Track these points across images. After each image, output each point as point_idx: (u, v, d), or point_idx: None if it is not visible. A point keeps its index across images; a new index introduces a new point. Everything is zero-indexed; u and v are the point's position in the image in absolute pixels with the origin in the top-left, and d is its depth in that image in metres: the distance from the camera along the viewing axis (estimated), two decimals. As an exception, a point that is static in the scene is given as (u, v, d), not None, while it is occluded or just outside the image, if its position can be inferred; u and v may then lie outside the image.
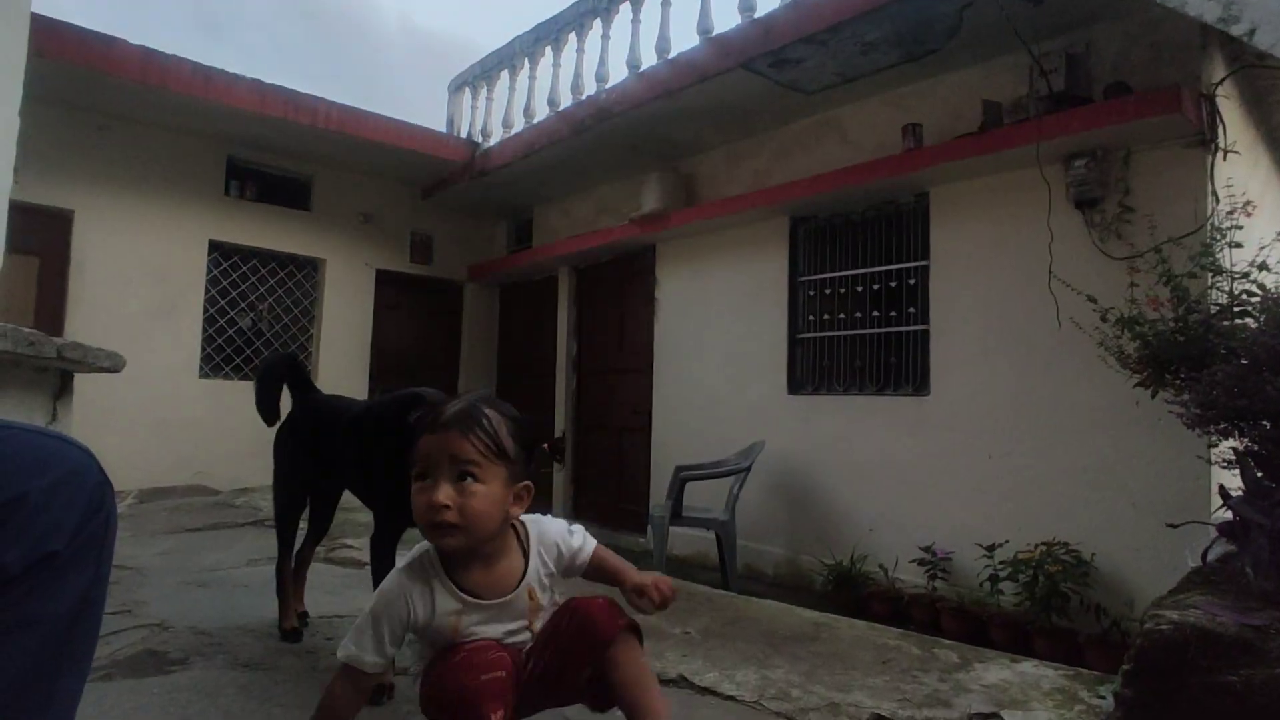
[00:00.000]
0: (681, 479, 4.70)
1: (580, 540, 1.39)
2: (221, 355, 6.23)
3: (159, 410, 5.54)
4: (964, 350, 4.22)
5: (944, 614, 3.83)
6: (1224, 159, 3.55)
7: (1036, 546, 3.57)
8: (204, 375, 6.03)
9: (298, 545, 2.20)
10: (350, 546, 3.12)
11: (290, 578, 2.15)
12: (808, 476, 4.91)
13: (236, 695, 1.67)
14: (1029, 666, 1.99)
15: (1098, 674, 1.93)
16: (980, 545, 3.79)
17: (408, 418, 1.67)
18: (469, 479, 1.17)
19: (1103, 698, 1.74)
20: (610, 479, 6.60)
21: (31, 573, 0.70)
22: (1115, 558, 3.49)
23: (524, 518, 1.31)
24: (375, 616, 1.20)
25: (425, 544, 1.25)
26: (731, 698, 1.80)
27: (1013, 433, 3.96)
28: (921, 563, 4.06)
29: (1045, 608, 3.40)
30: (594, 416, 6.85)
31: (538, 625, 1.29)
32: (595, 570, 1.39)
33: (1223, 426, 1.84)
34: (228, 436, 5.53)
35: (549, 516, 1.39)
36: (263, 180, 6.51)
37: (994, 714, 1.69)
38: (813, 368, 5.10)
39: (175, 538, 3.21)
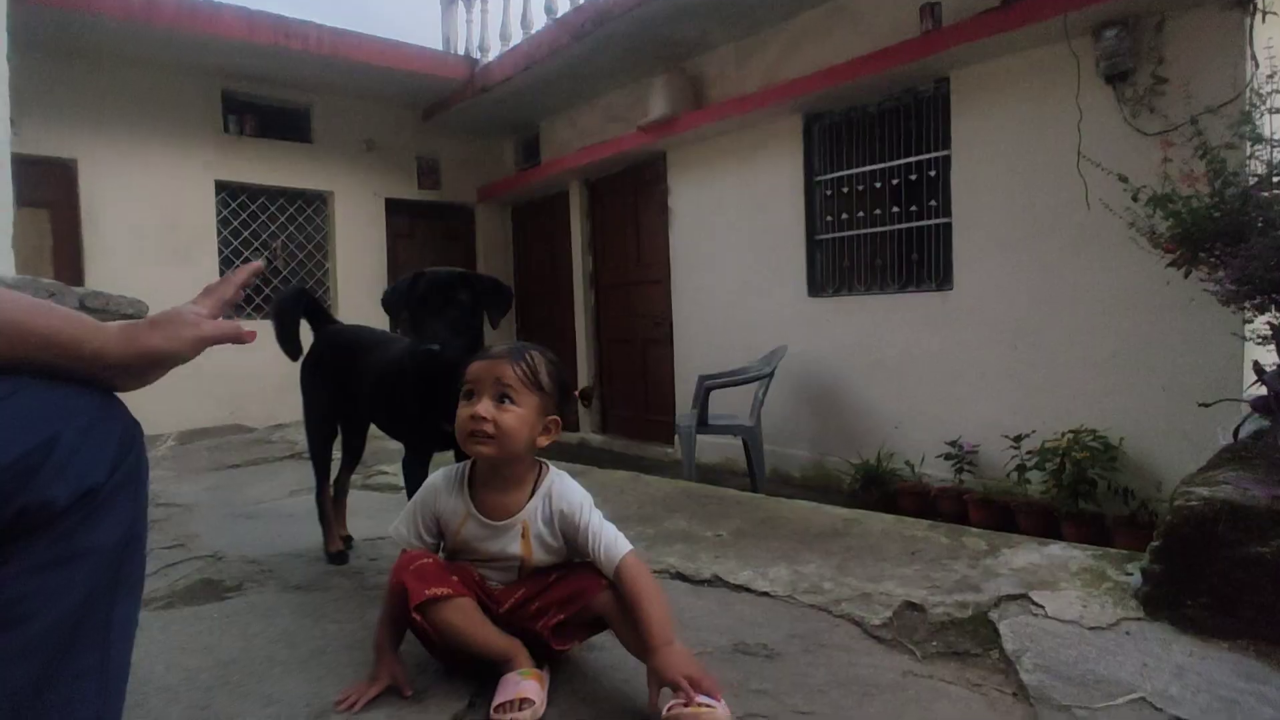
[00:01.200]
0: (706, 388, 4.73)
1: (596, 523, 1.41)
2: (242, 297, 6.27)
3: (187, 353, 5.60)
4: (988, 241, 4.11)
5: (971, 505, 3.89)
6: (1263, 20, 3.33)
7: (1063, 435, 3.58)
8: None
9: (334, 474, 2.26)
10: (386, 473, 3.21)
11: (330, 505, 2.22)
12: (831, 378, 4.91)
13: (291, 615, 1.75)
14: (1057, 549, 2.02)
15: (1125, 552, 1.96)
16: (1007, 437, 3.81)
17: (426, 367, 1.77)
18: (507, 400, 1.37)
19: (1130, 574, 1.77)
20: (636, 392, 6.66)
21: (77, 507, 0.72)
22: (1143, 441, 3.49)
23: (553, 469, 1.47)
24: (414, 506, 1.49)
25: (459, 464, 1.49)
26: (765, 593, 1.86)
27: (1038, 322, 3.90)
28: (948, 457, 4.10)
29: (1072, 494, 3.44)
30: (615, 331, 6.86)
31: (532, 563, 1.43)
32: (625, 588, 1.35)
33: (1258, 301, 1.79)
34: (257, 375, 5.61)
35: (578, 485, 1.48)
36: (261, 114, 6.38)
37: (1023, 595, 1.73)
38: (833, 269, 5.02)
39: (218, 475, 3.31)
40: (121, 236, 5.57)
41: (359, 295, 6.79)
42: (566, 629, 1.41)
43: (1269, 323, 1.78)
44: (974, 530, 2.21)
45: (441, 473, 1.51)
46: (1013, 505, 3.72)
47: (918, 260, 4.52)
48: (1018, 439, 3.75)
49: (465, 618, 1.36)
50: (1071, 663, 1.45)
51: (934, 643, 1.58)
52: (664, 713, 1.20)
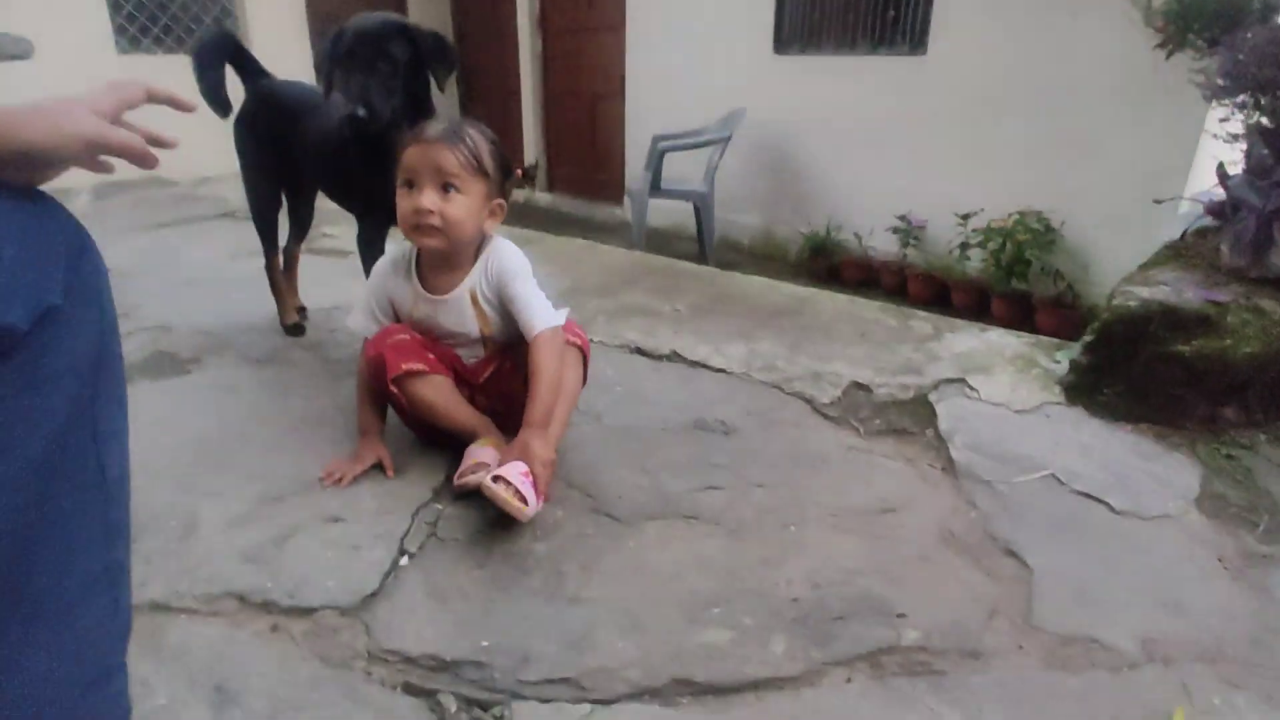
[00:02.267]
0: (660, 149, 4.55)
1: (526, 292, 1.41)
2: (135, 25, 5.44)
3: (84, 93, 4.96)
4: (970, 1, 3.83)
5: (911, 279, 4.04)
6: None
7: (1009, 216, 3.64)
8: (123, 51, 5.35)
9: (283, 243, 2.16)
10: (330, 236, 3.09)
11: (280, 276, 2.15)
12: (790, 145, 4.77)
13: (257, 390, 1.77)
14: (995, 335, 2.15)
15: (1056, 341, 2.10)
16: (956, 214, 3.86)
17: (364, 135, 1.63)
18: (451, 189, 1.33)
19: (1058, 362, 1.91)
20: (585, 151, 6.37)
21: (38, 329, 0.67)
22: (1083, 227, 3.59)
23: (496, 238, 1.46)
24: (367, 295, 1.50)
25: (405, 246, 1.46)
26: (722, 370, 1.95)
27: (1009, 97, 3.77)
28: (895, 230, 4.16)
29: (1008, 274, 3.59)
30: (563, 82, 6.37)
31: (491, 332, 1.47)
32: (530, 359, 1.36)
33: (1240, 100, 1.76)
34: (175, 121, 5.03)
35: (517, 250, 1.47)
36: None
37: (960, 379, 1.87)
38: (802, 23, 4.64)
39: (147, 235, 3.13)
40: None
41: (275, 35, 5.95)
42: None
43: (1244, 122, 1.76)
44: (920, 314, 2.32)
45: (388, 257, 1.52)
46: (950, 282, 3.89)
47: (894, 17, 4.20)
48: (966, 216, 3.81)
49: (439, 393, 1.41)
50: (995, 441, 1.61)
51: (877, 421, 1.72)
52: (468, 478, 1.31)
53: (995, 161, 3.87)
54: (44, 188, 0.72)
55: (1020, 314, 3.58)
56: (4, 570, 0.67)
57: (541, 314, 1.40)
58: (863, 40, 4.37)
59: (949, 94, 3.97)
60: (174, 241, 3.06)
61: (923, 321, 2.27)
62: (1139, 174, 3.31)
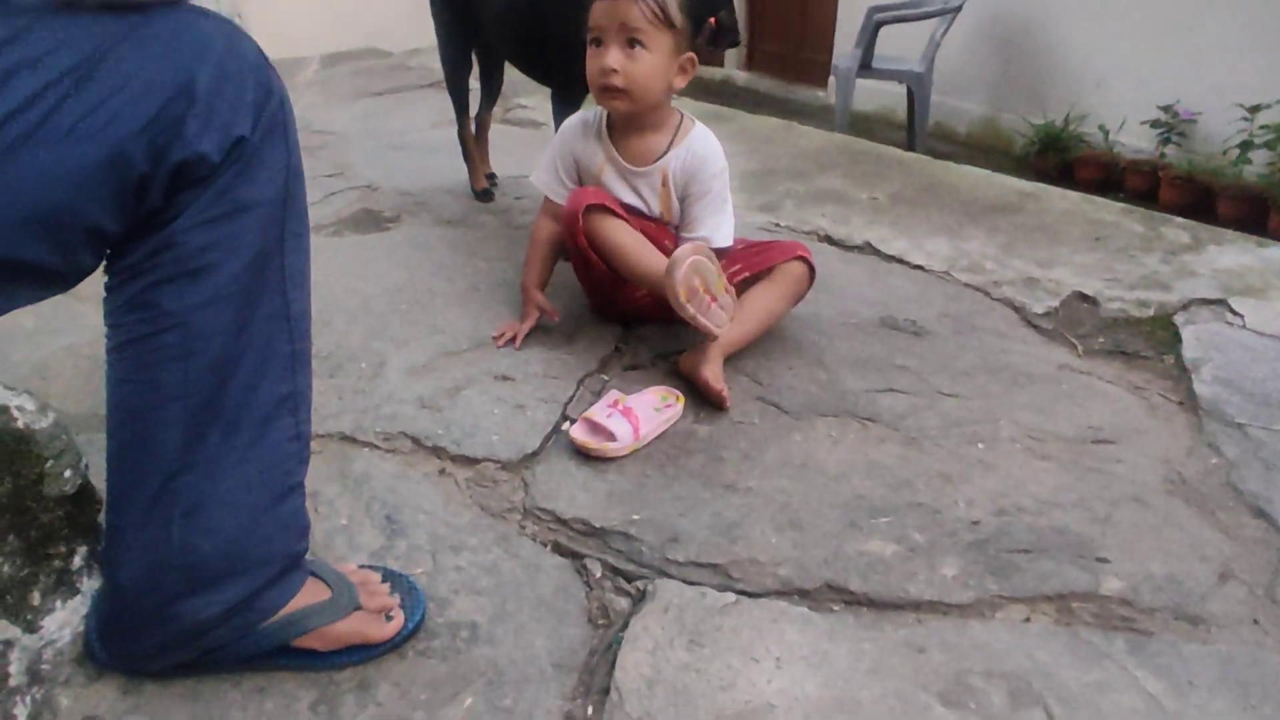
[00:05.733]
0: (876, 22, 4.08)
1: (719, 197, 1.37)
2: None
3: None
4: None
5: (1165, 184, 3.41)
6: None
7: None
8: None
9: (474, 109, 2.18)
10: (525, 107, 3.10)
11: (472, 141, 2.18)
12: (1031, 16, 4.09)
13: (445, 250, 1.83)
14: (1278, 252, 1.75)
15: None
16: (1241, 105, 3.15)
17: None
18: (637, 45, 1.26)
19: (1365, 289, 1.52)
20: (792, 23, 5.89)
21: (230, 159, 0.69)
22: None
23: (699, 125, 1.40)
24: (552, 153, 1.47)
25: (597, 108, 1.41)
26: (919, 267, 1.76)
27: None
28: (1155, 124, 3.50)
29: (1302, 179, 2.92)
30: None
31: (670, 217, 1.42)
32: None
33: None
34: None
35: (719, 145, 1.39)
36: None
37: (1220, 300, 1.55)
38: None
39: (363, 102, 3.31)
40: None
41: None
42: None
43: None
44: (1178, 220, 1.93)
45: (579, 115, 1.47)
46: (1218, 188, 3.23)
47: None
48: (1254, 109, 3.10)
49: (628, 233, 1.33)
50: (1258, 379, 1.33)
51: (1100, 339, 1.48)
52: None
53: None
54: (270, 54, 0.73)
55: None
56: (208, 382, 0.72)
57: (722, 227, 1.36)
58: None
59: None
60: (385, 107, 3.23)
61: (1179, 229, 1.89)
62: None
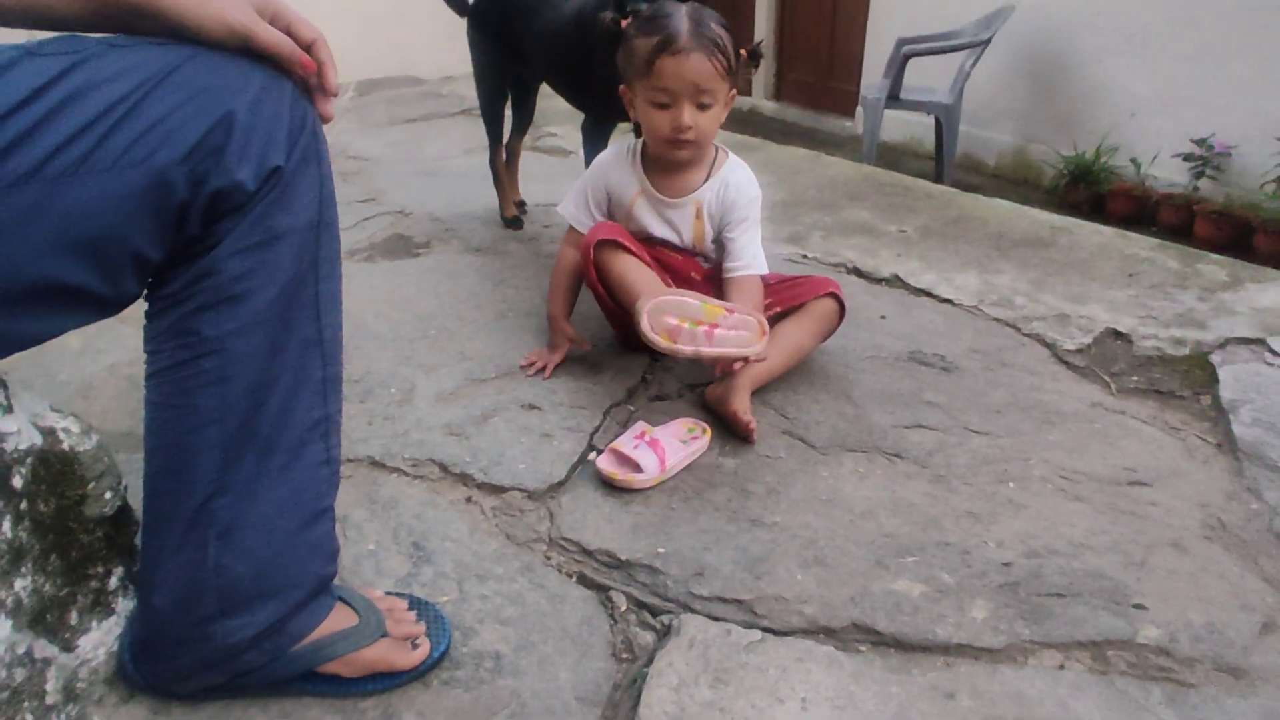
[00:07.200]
0: (904, 54, 4.09)
1: (753, 229, 1.40)
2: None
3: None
4: None
5: (1201, 218, 3.35)
6: None
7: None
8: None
9: (506, 137, 2.22)
10: (554, 135, 3.15)
11: (503, 169, 2.22)
12: (1065, 45, 4.08)
13: (475, 277, 1.86)
14: (1317, 290, 1.72)
15: None
16: (1278, 139, 3.11)
17: (616, 21, 1.54)
18: (708, 104, 1.29)
19: None
20: (819, 53, 5.93)
21: (266, 188, 0.71)
22: None
23: (732, 156, 1.43)
24: (584, 184, 1.47)
25: (633, 140, 1.45)
26: (948, 301, 1.75)
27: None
28: (1188, 158, 3.46)
29: (1344, 216, 2.86)
30: (802, -21, 5.92)
31: (702, 248, 1.45)
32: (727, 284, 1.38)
33: None
34: (425, 22, 5.38)
35: (753, 176, 1.43)
36: None
37: (1259, 340, 1.52)
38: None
39: (397, 129, 3.40)
40: None
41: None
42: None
43: None
44: (1214, 257, 1.90)
45: (613, 148, 1.49)
46: (1254, 222, 3.17)
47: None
48: (1293, 142, 3.06)
49: (635, 269, 1.33)
50: (1301, 421, 1.30)
51: (1134, 377, 1.46)
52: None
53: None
54: None
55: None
56: (244, 406, 0.74)
57: (757, 257, 1.39)
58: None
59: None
60: (418, 134, 3.30)
61: (1216, 266, 1.87)
62: None
